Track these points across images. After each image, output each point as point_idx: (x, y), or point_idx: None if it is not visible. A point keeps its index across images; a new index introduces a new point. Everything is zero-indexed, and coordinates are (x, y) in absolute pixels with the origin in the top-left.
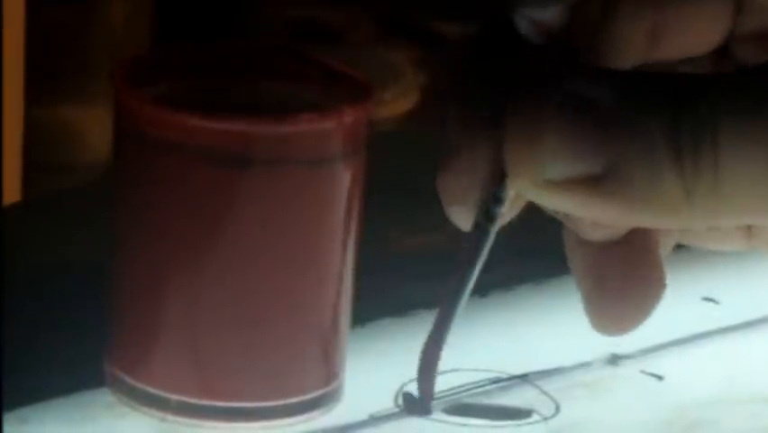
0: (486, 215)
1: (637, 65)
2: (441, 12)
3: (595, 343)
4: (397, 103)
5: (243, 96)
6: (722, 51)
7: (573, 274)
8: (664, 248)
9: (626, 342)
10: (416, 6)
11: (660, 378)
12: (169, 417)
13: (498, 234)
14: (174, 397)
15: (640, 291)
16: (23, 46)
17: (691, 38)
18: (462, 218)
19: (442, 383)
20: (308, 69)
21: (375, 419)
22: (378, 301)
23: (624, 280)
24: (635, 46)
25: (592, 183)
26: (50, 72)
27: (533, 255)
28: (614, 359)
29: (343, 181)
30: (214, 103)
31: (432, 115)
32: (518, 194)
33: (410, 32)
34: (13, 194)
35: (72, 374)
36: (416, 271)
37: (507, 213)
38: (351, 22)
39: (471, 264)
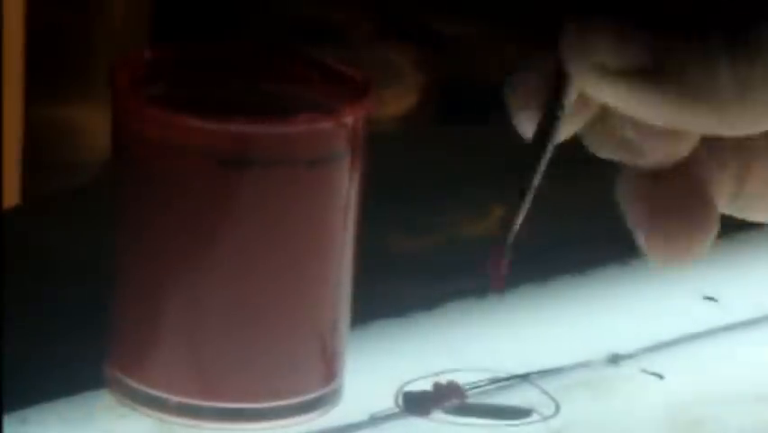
0: (551, 114)
1: None
2: (441, 12)
3: (595, 342)
4: (397, 103)
5: (243, 97)
6: None
7: (627, 216)
8: (719, 201)
9: (627, 341)
10: (415, 6)
11: (660, 377)
12: (169, 418)
13: (499, 234)
14: (174, 398)
15: (690, 224)
16: (23, 46)
17: None
18: (526, 125)
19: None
20: (308, 69)
21: (375, 420)
22: (377, 302)
23: (674, 213)
24: None
25: (647, 76)
26: (50, 72)
27: (533, 255)
28: (614, 358)
29: (343, 181)
30: (214, 103)
31: (432, 115)
32: (583, 105)
33: (410, 32)
34: (12, 193)
35: (72, 375)
36: (415, 272)
37: (570, 125)
38: (351, 21)
39: (537, 162)
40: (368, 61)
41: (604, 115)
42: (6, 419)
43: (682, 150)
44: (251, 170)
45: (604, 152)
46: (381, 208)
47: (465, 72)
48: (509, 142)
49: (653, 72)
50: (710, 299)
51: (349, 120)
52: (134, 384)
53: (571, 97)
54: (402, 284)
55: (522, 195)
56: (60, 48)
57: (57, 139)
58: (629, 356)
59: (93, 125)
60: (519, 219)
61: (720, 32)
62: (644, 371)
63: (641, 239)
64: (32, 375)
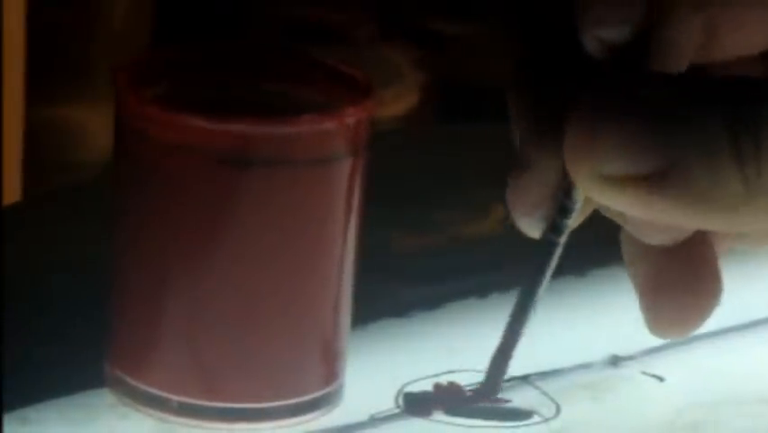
0: (554, 227)
1: (689, 68)
2: (441, 12)
3: (596, 344)
4: (397, 103)
5: (244, 97)
6: None
7: (631, 278)
8: (719, 252)
9: (627, 343)
10: (416, 6)
11: (661, 379)
12: (170, 417)
13: (499, 235)
14: (175, 398)
15: (697, 298)
16: (23, 46)
17: (743, 38)
18: (533, 229)
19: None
20: (309, 70)
21: (375, 420)
22: (378, 302)
23: (681, 286)
24: (687, 48)
25: (653, 181)
26: (50, 72)
27: (533, 257)
28: (615, 360)
29: (345, 182)
30: (216, 103)
31: (432, 115)
32: (586, 202)
33: (410, 32)
34: (13, 194)
35: (73, 374)
36: (416, 273)
37: (574, 221)
38: (351, 21)
39: (540, 274)
40: (368, 61)
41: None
42: (7, 418)
43: (684, 234)
44: (252, 171)
45: (619, 222)
46: (381, 208)
47: (465, 72)
48: (509, 143)
49: (660, 179)
50: None
51: (351, 121)
52: (135, 384)
53: (576, 208)
54: (402, 284)
55: (520, 309)
56: (60, 48)
57: (57, 138)
58: (629, 358)
59: (93, 125)
60: (520, 335)
61: (726, 132)
62: (645, 373)
63: (644, 308)
64: (32, 374)
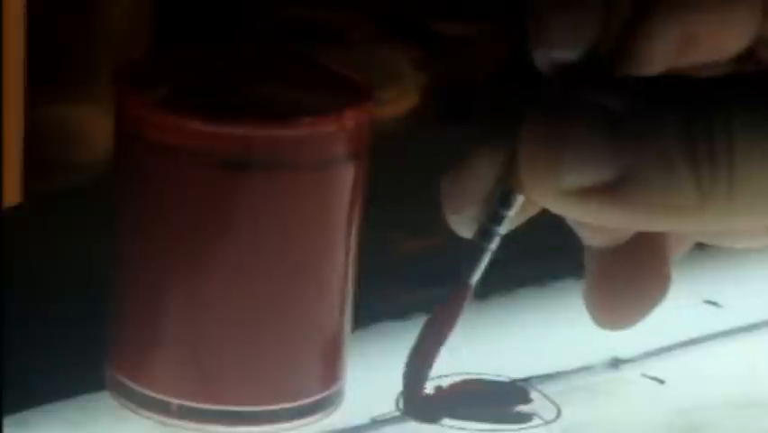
0: (484, 233)
1: (663, 71)
2: (441, 12)
3: (596, 346)
4: (397, 103)
5: (244, 99)
6: (746, 55)
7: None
8: (680, 248)
9: (628, 345)
10: (415, 6)
11: (661, 382)
12: (171, 421)
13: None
14: (175, 401)
15: (641, 291)
16: (23, 46)
17: (719, 44)
18: (463, 228)
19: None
20: (309, 72)
21: (376, 422)
22: (379, 304)
23: (626, 279)
24: (665, 54)
25: (608, 190)
26: (50, 72)
27: (534, 258)
28: (615, 363)
29: (345, 184)
30: (215, 106)
31: (432, 115)
32: (522, 210)
33: (410, 32)
34: (13, 194)
35: (73, 378)
36: (416, 275)
37: (514, 220)
38: (351, 22)
39: (466, 277)
40: (368, 62)
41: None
42: (6, 422)
43: (625, 236)
44: (253, 173)
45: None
46: (381, 210)
47: (465, 72)
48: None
49: (618, 186)
50: (711, 303)
51: (351, 124)
52: (135, 387)
53: (513, 210)
54: (403, 287)
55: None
56: (60, 48)
57: (57, 139)
58: (630, 361)
59: (93, 125)
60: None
61: (680, 136)
62: (645, 375)
63: (588, 304)
64: (32, 377)
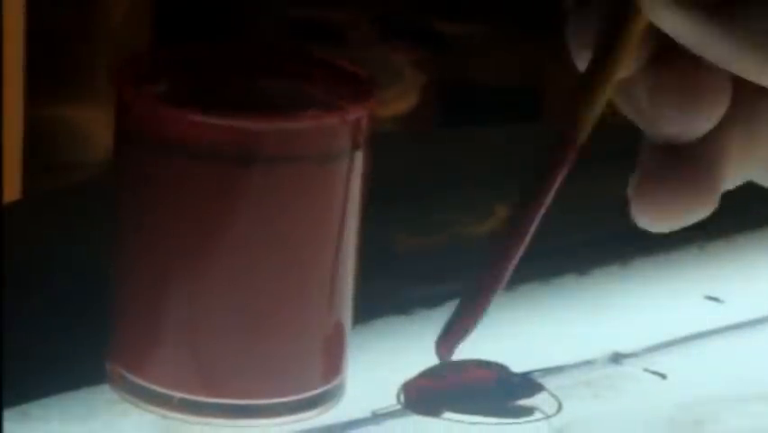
0: (606, 49)
1: None
2: (441, 12)
3: (598, 341)
4: (397, 103)
5: (245, 95)
6: None
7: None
8: (733, 173)
9: (629, 340)
10: (415, 6)
11: (663, 376)
12: (171, 414)
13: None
14: (176, 394)
15: (690, 195)
16: (23, 46)
17: None
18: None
19: None
20: (311, 67)
21: (377, 417)
22: (380, 300)
23: (676, 181)
24: None
25: (714, 8)
26: (50, 72)
27: (536, 254)
28: (617, 357)
29: (347, 179)
30: (216, 101)
31: (432, 115)
32: (637, 43)
33: (410, 32)
34: (13, 193)
35: (74, 371)
36: (417, 271)
37: (624, 66)
38: (351, 22)
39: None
40: (368, 62)
41: (628, 83)
42: (7, 414)
43: (695, 130)
44: (253, 168)
45: (629, 115)
46: (382, 208)
47: (465, 72)
48: (509, 143)
49: (721, 10)
50: (713, 298)
51: (353, 117)
52: (136, 380)
53: (629, 36)
54: (404, 282)
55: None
56: (60, 48)
57: (57, 138)
58: (632, 355)
59: (93, 125)
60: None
61: None
62: (647, 370)
63: (634, 197)
64: (33, 370)
